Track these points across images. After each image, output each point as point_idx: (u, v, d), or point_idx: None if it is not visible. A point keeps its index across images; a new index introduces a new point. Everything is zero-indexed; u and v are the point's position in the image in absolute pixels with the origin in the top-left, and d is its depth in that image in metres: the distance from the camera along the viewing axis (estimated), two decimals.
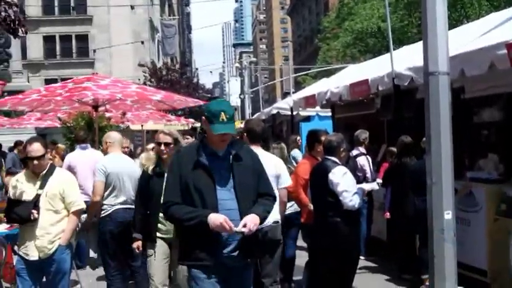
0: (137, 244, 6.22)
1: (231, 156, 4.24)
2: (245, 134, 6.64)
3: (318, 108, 15.41)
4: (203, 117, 4.35)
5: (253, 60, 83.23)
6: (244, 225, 3.99)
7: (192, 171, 4.15)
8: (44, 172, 6.01)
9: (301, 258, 7.97)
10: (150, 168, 6.12)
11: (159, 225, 6.07)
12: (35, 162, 5.92)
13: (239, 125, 35.39)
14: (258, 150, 5.92)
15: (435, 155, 3.96)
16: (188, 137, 10.17)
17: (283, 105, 17.99)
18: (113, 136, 7.81)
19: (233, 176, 4.20)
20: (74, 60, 50.47)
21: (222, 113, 4.14)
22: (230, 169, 4.21)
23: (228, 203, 4.13)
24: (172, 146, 6.08)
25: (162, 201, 4.33)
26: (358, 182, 8.29)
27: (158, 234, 6.09)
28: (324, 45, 51.09)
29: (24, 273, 6.00)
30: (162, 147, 6.04)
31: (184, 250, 4.25)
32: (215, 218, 3.96)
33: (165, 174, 5.28)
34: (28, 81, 34.20)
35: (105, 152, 7.86)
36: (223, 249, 4.13)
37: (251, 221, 4.02)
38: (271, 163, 6.14)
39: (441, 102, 3.93)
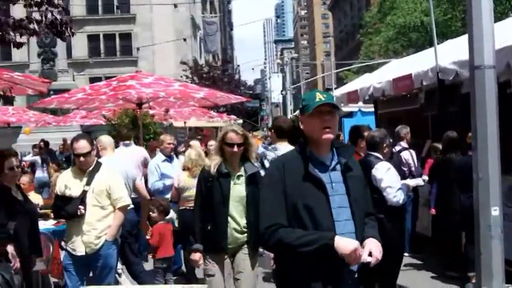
0: (198, 256, 5.40)
1: (338, 165, 3.50)
2: (272, 130, 7.26)
3: (360, 103, 15.29)
4: (300, 116, 3.61)
5: (294, 56, 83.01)
6: (370, 254, 3.31)
7: (299, 186, 3.36)
8: (91, 169, 6.12)
9: None
10: (213, 168, 5.31)
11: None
12: (81, 159, 6.03)
13: None
14: (285, 146, 6.64)
15: (481, 150, 3.89)
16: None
17: None
18: (104, 140, 7.87)
19: (347, 191, 3.45)
20: (118, 58, 51.18)
21: (317, 93, 3.48)
22: (343, 182, 3.46)
23: (342, 224, 3.38)
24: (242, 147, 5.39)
25: (262, 224, 3.39)
26: (404, 177, 8.22)
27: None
28: (366, 40, 50.67)
29: (71, 268, 6.11)
30: (235, 148, 5.25)
31: (291, 280, 3.41)
32: (345, 244, 3.22)
33: (232, 176, 5.25)
34: (73, 80, 34.78)
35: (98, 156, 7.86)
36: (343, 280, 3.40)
37: (377, 249, 3.36)
38: None
39: (487, 96, 3.86)
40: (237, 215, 5.24)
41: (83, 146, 6.06)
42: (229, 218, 5.21)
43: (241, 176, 5.32)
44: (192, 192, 8.05)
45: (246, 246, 5.32)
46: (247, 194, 5.23)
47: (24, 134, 23.58)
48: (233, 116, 30.20)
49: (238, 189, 5.27)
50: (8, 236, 5.38)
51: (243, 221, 5.25)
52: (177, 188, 8.29)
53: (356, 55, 57.46)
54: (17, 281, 4.76)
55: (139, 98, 11.52)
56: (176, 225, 8.37)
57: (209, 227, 5.24)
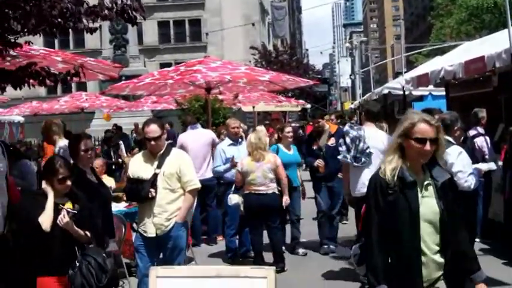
0: None
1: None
2: (363, 114, 8.44)
3: (431, 87, 14.96)
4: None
5: (363, 40, 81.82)
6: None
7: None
8: (161, 152, 6.23)
9: None
10: (391, 175, 3.69)
11: None
12: (152, 142, 6.15)
13: (349, 105, 35.05)
14: (371, 127, 7.63)
15: None
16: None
17: (394, 84, 17.61)
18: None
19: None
20: (188, 44, 51.75)
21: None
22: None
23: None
24: None
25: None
26: (476, 163, 8.00)
27: None
28: (437, 22, 49.38)
29: (143, 250, 6.26)
30: (428, 146, 3.64)
31: None
32: None
33: (419, 186, 3.67)
34: (144, 66, 35.44)
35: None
36: None
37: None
38: (379, 139, 7.33)
39: None
40: (429, 239, 3.69)
41: (154, 130, 6.18)
42: (422, 245, 3.67)
43: (430, 185, 3.75)
44: (254, 176, 8.15)
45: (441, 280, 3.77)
46: (441, 209, 3.68)
47: (104, 120, 24.25)
48: (301, 101, 30.11)
49: (428, 204, 3.70)
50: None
51: (436, 247, 3.71)
52: (240, 172, 8.39)
53: (427, 38, 56.10)
54: (109, 264, 4.82)
55: (208, 82, 11.64)
56: (242, 209, 8.47)
57: (393, 260, 3.71)
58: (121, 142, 20.42)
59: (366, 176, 6.62)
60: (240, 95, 17.51)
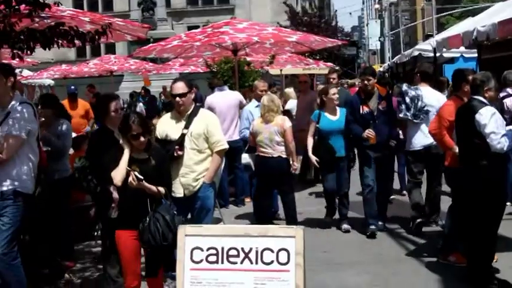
0: None
1: None
2: (418, 74, 8.70)
3: (462, 48, 14.67)
4: None
5: (393, 1, 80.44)
6: None
7: None
8: (189, 112, 6.23)
9: (445, 203, 7.77)
10: None
11: None
12: (177, 99, 6.16)
13: (378, 68, 34.64)
14: (427, 88, 8.30)
15: None
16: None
17: (425, 46, 17.30)
18: None
19: None
20: (215, 7, 51.31)
21: None
22: None
23: None
24: None
25: None
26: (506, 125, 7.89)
27: None
28: None
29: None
30: None
31: None
32: None
33: None
34: (172, 29, 35.32)
35: None
36: None
37: None
38: (435, 98, 8.17)
39: None
40: None
41: (180, 86, 6.20)
42: None
43: None
44: (262, 137, 8.13)
45: None
46: None
47: (145, 85, 24.42)
48: (330, 64, 29.81)
49: None
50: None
51: None
52: (252, 133, 8.42)
53: None
54: (178, 222, 4.81)
55: (235, 44, 11.56)
56: (254, 169, 8.61)
57: None
58: (140, 104, 20.64)
59: (424, 131, 7.84)
60: (268, 56, 17.34)
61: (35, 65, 18.71)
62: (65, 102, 11.10)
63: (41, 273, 6.65)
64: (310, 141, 8.63)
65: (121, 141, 5.15)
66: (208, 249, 3.72)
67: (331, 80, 10.13)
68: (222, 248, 3.71)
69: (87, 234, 8.14)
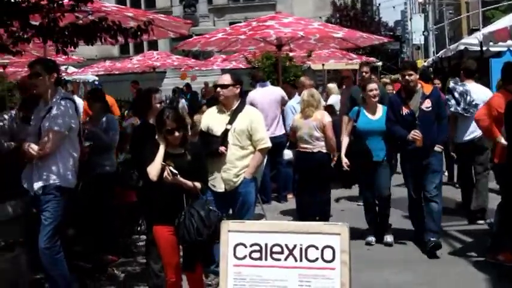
0: None
1: None
2: (462, 71, 8.98)
3: (509, 42, 14.31)
4: None
5: None
6: None
7: None
8: (234, 108, 6.19)
9: (493, 200, 7.58)
10: None
11: None
12: (218, 89, 6.14)
13: (422, 63, 34.11)
14: (472, 83, 8.67)
15: None
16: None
17: (471, 40, 16.94)
18: None
19: None
20: (257, 3, 51.28)
21: None
22: None
23: None
24: None
25: None
26: None
27: None
28: None
29: (213, 204, 6.26)
30: None
31: None
32: None
33: None
34: (214, 25, 35.43)
35: None
36: None
37: None
38: (482, 92, 8.52)
39: None
40: None
41: (224, 78, 6.24)
42: None
43: None
44: (301, 132, 8.02)
45: None
46: None
47: (182, 78, 24.60)
48: (372, 58, 29.46)
49: None
50: None
51: None
52: (292, 129, 8.36)
53: None
54: (213, 218, 4.80)
55: (279, 39, 11.47)
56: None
57: None
58: (182, 100, 20.77)
59: (474, 124, 7.77)
60: (312, 52, 17.23)
61: (80, 62, 18.98)
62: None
63: (84, 267, 6.69)
64: (345, 141, 7.95)
65: (156, 137, 5.12)
66: (251, 245, 3.65)
67: (364, 74, 9.70)
68: (266, 245, 3.63)
69: (131, 228, 8.17)
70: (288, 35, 11.07)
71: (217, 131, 6.16)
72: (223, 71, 24.21)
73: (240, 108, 6.24)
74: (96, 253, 6.98)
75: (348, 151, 7.81)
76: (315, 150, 8.01)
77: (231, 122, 6.16)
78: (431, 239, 7.08)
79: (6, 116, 6.60)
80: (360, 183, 8.53)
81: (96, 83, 13.00)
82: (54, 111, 5.54)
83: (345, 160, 7.81)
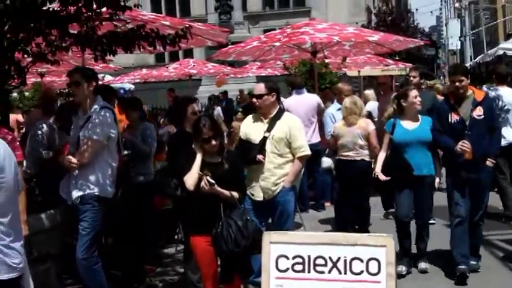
0: None
1: None
2: (494, 76, 9.19)
3: None
4: None
5: (473, 0, 78.07)
6: None
7: None
8: (272, 116, 6.13)
9: None
10: None
11: None
12: (254, 99, 6.11)
13: None
14: (505, 88, 8.82)
15: None
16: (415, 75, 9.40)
17: (509, 45, 16.71)
18: None
19: None
20: (291, 9, 51.32)
21: None
22: None
23: None
24: None
25: None
26: None
27: None
28: None
29: (251, 212, 6.18)
30: None
31: None
32: None
33: None
34: (249, 32, 35.46)
35: None
36: None
37: None
38: None
39: None
40: None
41: (259, 88, 6.18)
42: None
43: None
44: (344, 140, 7.88)
45: None
46: None
47: (217, 85, 24.70)
48: (409, 64, 29.17)
49: None
50: None
51: None
52: (333, 136, 8.20)
53: None
54: (251, 228, 4.70)
55: (314, 46, 11.37)
56: (334, 173, 8.39)
57: None
58: (218, 108, 20.75)
59: (504, 130, 7.77)
60: (347, 58, 17.08)
61: (117, 70, 19.13)
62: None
63: (122, 277, 6.67)
64: (381, 157, 6.97)
65: (193, 145, 5.06)
66: (294, 257, 3.58)
67: (412, 78, 8.71)
68: (309, 257, 3.56)
69: (169, 238, 8.13)
70: (324, 41, 10.96)
71: (256, 139, 6.09)
72: (258, 78, 24.32)
73: (278, 116, 6.16)
74: (135, 263, 6.94)
75: (385, 166, 6.85)
76: (358, 159, 7.86)
77: (269, 130, 6.09)
78: (462, 266, 6.35)
79: (44, 125, 6.63)
80: (395, 201, 7.03)
81: (122, 91, 12.85)
82: (93, 120, 5.54)
83: (382, 177, 6.80)
